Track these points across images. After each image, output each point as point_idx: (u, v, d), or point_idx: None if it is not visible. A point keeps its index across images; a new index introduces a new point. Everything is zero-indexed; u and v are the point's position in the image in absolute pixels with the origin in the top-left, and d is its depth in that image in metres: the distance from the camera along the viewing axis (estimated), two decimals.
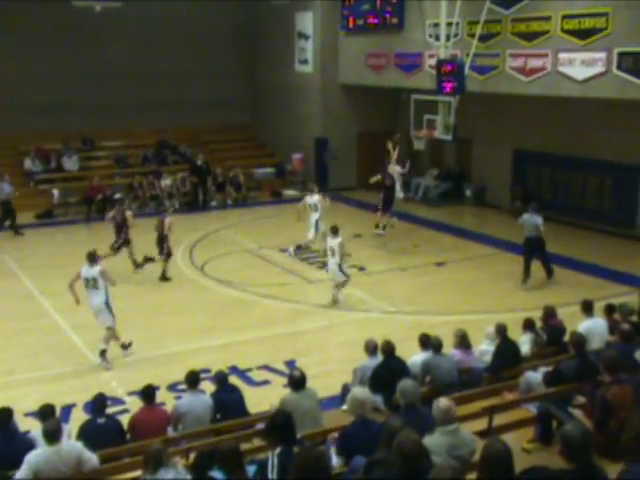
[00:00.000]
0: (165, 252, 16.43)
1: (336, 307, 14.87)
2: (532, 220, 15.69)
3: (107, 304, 12.12)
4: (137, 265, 17.01)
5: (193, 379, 8.63)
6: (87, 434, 7.89)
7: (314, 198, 18.09)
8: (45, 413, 7.85)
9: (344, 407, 8.94)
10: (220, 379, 9.03)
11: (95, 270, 12.02)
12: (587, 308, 10.43)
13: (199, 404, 8.44)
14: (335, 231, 14.83)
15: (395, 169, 19.34)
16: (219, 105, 28.24)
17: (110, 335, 12.29)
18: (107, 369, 12.02)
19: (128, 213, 17.15)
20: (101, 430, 8.04)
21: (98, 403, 8.37)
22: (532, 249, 15.85)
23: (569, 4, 17.25)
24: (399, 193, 19.70)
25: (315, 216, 18.02)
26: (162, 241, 16.40)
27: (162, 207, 20.00)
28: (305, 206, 18.31)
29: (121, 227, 16.90)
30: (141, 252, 16.96)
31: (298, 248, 18.46)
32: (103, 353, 12.12)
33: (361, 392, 7.15)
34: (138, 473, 6.75)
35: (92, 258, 12.14)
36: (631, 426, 6.02)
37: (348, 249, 15.98)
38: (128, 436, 8.33)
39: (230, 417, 8.48)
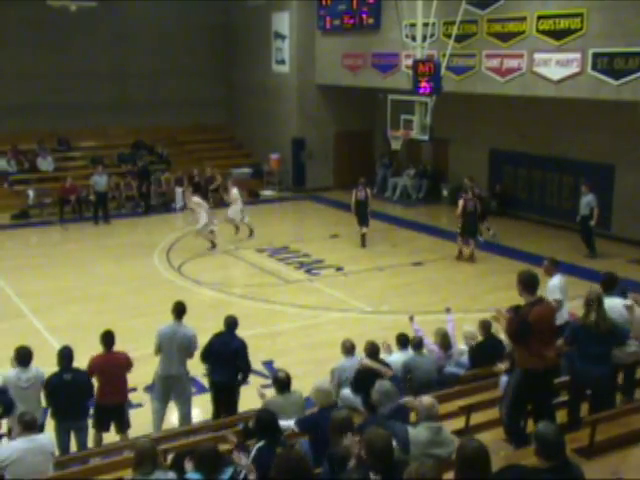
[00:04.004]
0: None
1: (314, 307, 14.87)
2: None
3: None
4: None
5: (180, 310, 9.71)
6: (54, 388, 8.43)
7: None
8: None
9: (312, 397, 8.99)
10: (229, 323, 9.79)
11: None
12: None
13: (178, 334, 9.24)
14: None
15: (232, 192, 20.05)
16: (196, 105, 28.14)
17: None
18: None
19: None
20: (68, 385, 8.45)
21: (64, 357, 8.63)
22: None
23: (544, 5, 17.37)
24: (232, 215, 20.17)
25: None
26: None
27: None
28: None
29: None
30: None
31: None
32: None
33: (324, 382, 7.51)
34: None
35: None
36: None
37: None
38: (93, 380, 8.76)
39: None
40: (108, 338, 9.05)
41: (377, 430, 5.39)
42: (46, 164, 24.89)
